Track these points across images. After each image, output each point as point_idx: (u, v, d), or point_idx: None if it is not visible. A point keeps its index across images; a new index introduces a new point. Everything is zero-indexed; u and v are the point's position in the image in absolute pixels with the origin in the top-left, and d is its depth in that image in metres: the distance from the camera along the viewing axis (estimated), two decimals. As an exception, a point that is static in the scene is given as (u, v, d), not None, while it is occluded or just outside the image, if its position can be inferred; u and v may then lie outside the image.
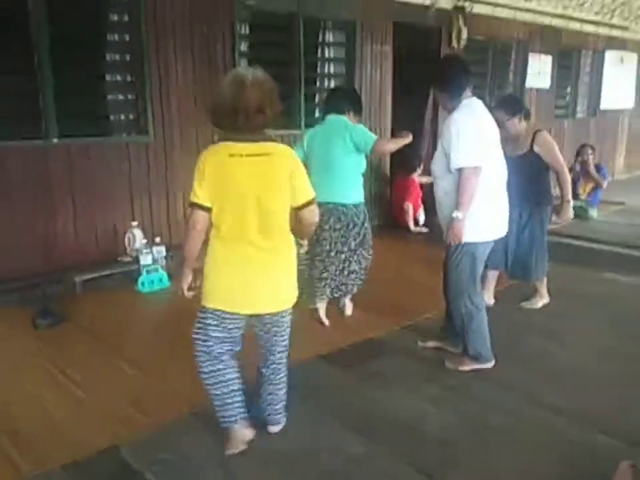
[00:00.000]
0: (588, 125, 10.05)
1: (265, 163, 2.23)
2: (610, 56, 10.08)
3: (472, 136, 2.91)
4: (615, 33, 10.04)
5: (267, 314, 2.38)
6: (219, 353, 2.38)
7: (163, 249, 4.61)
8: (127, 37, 4.71)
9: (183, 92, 4.98)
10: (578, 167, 7.19)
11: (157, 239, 4.63)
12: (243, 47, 5.40)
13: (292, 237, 2.40)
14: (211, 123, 2.32)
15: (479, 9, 7.35)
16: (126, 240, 4.67)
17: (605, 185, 7.27)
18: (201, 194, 2.22)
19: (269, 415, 2.55)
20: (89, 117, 4.69)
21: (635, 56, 10.75)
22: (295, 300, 2.45)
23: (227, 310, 2.32)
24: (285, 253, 2.37)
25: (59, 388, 2.98)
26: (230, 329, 2.38)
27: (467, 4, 7.09)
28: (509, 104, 3.85)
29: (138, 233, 4.65)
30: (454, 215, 2.95)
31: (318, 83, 6.32)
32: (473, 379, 3.09)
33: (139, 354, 3.40)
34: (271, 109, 2.23)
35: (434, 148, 3.59)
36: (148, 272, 4.47)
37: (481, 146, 2.93)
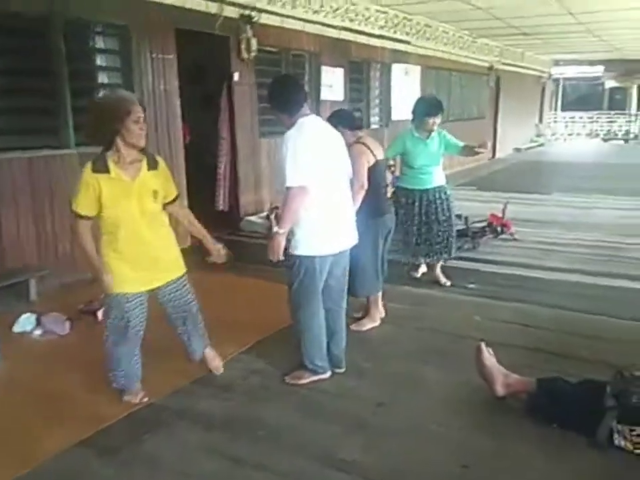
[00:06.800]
0: (383, 135, 10.47)
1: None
2: (396, 69, 10.62)
3: (299, 156, 2.90)
4: (399, 46, 10.61)
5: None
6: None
7: None
8: None
9: None
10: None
11: None
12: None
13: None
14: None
15: (267, 19, 7.13)
16: None
17: None
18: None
19: None
20: None
21: (418, 68, 11.50)
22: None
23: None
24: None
25: None
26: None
27: (253, 13, 6.82)
28: (342, 117, 3.80)
29: None
30: (274, 229, 2.99)
31: (95, 94, 5.54)
32: (261, 439, 2.72)
33: None
34: None
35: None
36: None
37: (309, 165, 2.91)
